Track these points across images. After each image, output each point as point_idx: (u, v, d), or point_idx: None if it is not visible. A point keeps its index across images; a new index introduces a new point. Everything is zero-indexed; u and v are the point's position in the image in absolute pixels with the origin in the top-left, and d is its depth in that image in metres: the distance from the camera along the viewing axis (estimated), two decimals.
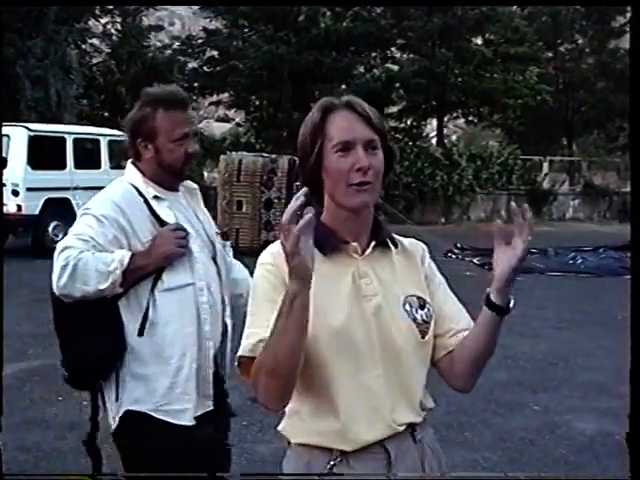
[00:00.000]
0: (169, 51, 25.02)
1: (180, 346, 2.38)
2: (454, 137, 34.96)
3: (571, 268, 12.70)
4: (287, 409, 1.68)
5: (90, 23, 23.93)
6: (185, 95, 2.55)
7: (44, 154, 13.07)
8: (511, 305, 1.61)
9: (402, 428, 1.64)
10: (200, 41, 25.50)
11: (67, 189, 13.34)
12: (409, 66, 24.68)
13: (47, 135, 13.52)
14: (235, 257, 2.79)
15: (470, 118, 28.52)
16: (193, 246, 2.44)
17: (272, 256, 1.66)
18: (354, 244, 1.68)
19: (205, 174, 25.48)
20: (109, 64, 24.47)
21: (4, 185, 12.08)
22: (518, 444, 4.59)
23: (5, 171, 12.00)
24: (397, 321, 1.65)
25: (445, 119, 27.27)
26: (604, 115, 28.22)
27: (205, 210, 2.66)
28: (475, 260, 13.32)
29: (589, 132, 31.47)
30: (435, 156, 22.92)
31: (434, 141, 26.97)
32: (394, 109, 25.37)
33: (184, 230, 2.43)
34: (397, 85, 24.11)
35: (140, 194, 2.44)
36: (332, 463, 1.62)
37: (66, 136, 13.66)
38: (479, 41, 26.37)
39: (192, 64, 25.74)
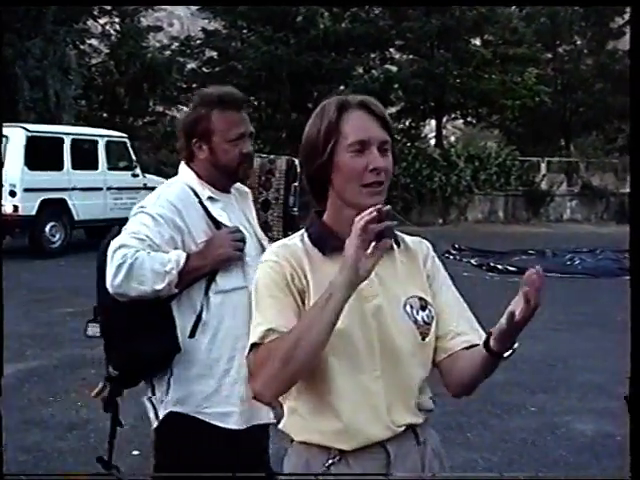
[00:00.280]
0: (168, 52, 25.01)
1: (229, 349, 2.36)
2: (452, 138, 35.01)
3: (568, 269, 12.70)
4: (287, 407, 1.68)
5: (89, 24, 23.93)
6: (240, 95, 2.54)
7: (42, 155, 13.03)
8: (514, 348, 1.52)
9: (401, 429, 1.64)
10: (199, 42, 25.52)
11: (64, 190, 13.34)
12: (408, 67, 24.69)
13: (45, 136, 13.48)
14: None
15: (468, 119, 28.58)
16: (247, 249, 2.43)
17: (275, 254, 1.65)
18: None
19: None
20: (108, 65, 24.47)
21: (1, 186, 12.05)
22: (517, 445, 4.59)
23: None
24: (397, 322, 1.65)
25: (443, 120, 27.32)
26: (602, 116, 28.24)
27: (254, 213, 2.64)
28: (472, 261, 13.35)
29: (587, 133, 31.50)
30: (433, 157, 22.94)
31: (432, 142, 27.00)
32: (393, 110, 25.37)
33: (241, 233, 2.41)
34: (396, 86, 24.12)
35: (195, 194, 2.42)
36: (330, 462, 1.61)
37: (64, 137, 13.65)
38: (478, 42, 26.41)
39: (191, 65, 25.76)
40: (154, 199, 2.41)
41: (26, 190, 12.61)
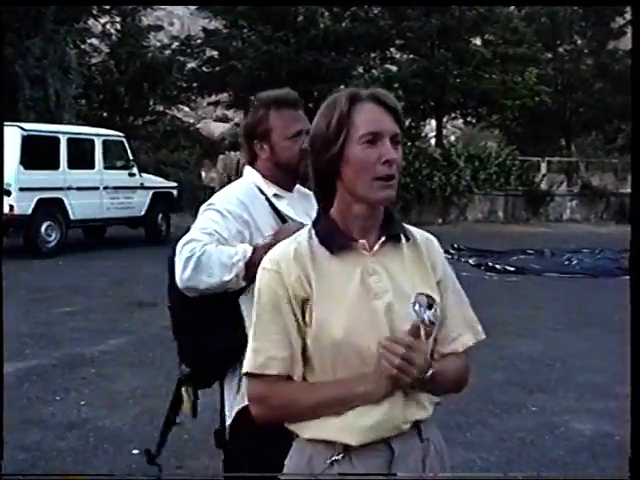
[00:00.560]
0: (168, 51, 25.04)
1: None
2: (452, 138, 35.02)
3: (567, 269, 12.69)
4: None
5: (89, 23, 23.94)
6: (296, 95, 2.57)
7: (37, 154, 12.97)
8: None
9: (407, 426, 1.62)
10: (199, 41, 25.53)
11: (60, 189, 13.27)
12: (408, 67, 24.70)
13: (41, 135, 13.41)
14: None
15: (468, 119, 28.57)
16: None
17: (277, 263, 1.63)
18: (362, 241, 1.63)
19: (203, 174, 25.49)
20: (108, 64, 24.48)
21: None
22: (516, 444, 4.59)
23: None
24: (406, 321, 1.60)
25: (444, 120, 27.31)
26: (602, 116, 28.25)
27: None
28: (470, 261, 13.33)
29: (587, 133, 31.51)
30: (433, 156, 22.93)
31: (432, 141, 27.00)
32: None
33: None
34: (396, 85, 24.09)
35: (261, 192, 2.47)
36: (334, 458, 1.59)
37: (60, 136, 13.58)
38: (478, 42, 26.41)
39: (191, 64, 25.78)
40: (222, 196, 2.47)
41: (22, 189, 12.52)
